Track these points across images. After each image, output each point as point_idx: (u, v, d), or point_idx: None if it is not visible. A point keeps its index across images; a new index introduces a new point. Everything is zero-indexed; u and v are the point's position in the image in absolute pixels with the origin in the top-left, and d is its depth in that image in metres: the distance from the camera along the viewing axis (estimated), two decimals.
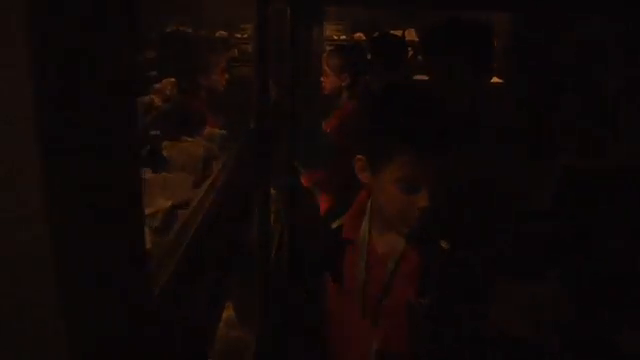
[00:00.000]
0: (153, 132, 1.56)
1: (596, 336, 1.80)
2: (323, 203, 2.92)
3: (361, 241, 1.18)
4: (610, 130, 1.72)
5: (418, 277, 1.09)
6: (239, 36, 3.83)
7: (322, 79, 3.16)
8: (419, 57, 4.35)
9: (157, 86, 1.83)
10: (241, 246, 2.25)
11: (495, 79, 2.45)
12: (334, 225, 1.26)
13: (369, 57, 3.31)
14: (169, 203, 1.15)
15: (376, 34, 3.55)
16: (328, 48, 3.81)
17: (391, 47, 3.26)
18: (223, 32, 3.62)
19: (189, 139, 1.62)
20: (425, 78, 3.75)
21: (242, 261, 2.34)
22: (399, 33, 4.55)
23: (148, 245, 1.00)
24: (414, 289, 1.09)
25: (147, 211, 1.09)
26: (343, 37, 4.92)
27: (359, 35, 4.93)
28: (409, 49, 4.04)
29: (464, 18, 1.66)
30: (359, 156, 1.12)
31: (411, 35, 4.80)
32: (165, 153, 1.47)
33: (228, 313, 2.07)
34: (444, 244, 1.08)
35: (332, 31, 4.92)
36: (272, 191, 3.05)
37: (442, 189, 1.01)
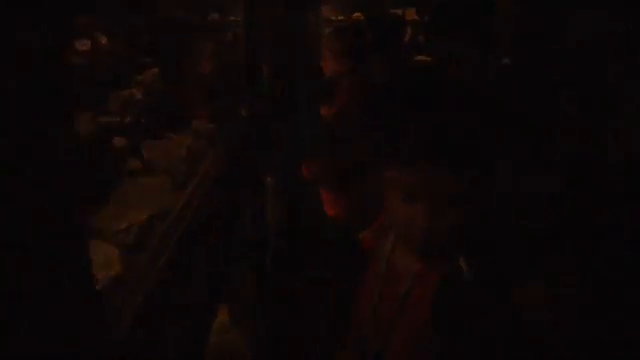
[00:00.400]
0: (134, 129, 1.44)
1: (599, 336, 1.75)
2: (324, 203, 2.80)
3: (382, 254, 1.05)
4: (610, 129, 1.67)
5: (431, 303, 0.96)
6: (234, 19, 3.68)
7: (322, 63, 3.05)
8: (420, 37, 4.21)
9: (140, 78, 1.71)
10: (233, 246, 2.16)
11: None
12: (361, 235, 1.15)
13: (368, 38, 3.18)
14: (145, 215, 1.04)
15: (374, 14, 3.43)
16: (327, 30, 3.68)
17: (390, 27, 3.14)
18: (215, 15, 3.46)
19: (173, 136, 1.50)
20: (427, 59, 3.63)
21: (236, 261, 2.25)
22: (399, 12, 4.39)
23: (119, 268, 0.90)
24: (425, 316, 0.96)
25: (120, 226, 0.98)
26: (341, 17, 4.75)
27: (357, 15, 4.75)
28: (409, 29, 3.90)
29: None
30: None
31: (412, 15, 4.63)
32: (145, 154, 1.35)
33: (222, 317, 1.99)
34: (462, 263, 0.95)
35: (329, 11, 4.74)
36: (270, 181, 2.96)
37: (447, 205, 0.89)
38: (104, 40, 1.66)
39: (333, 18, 4.78)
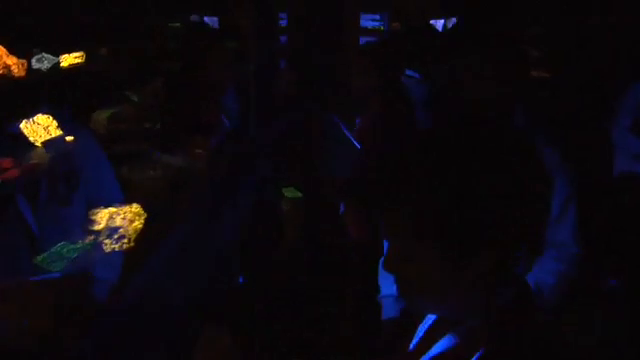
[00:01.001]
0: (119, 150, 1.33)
1: None
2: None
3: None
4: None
5: None
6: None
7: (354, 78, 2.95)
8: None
9: (140, 90, 1.61)
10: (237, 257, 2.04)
11: None
12: None
13: (404, 53, 3.05)
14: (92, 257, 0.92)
15: (411, 26, 3.28)
16: (363, 41, 3.60)
17: (427, 40, 2.99)
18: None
19: (162, 157, 1.39)
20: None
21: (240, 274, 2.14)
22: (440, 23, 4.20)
23: (51, 324, 0.78)
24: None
25: (57, 270, 0.86)
26: (380, 27, 4.59)
27: (396, 25, 4.58)
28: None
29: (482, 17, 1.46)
30: None
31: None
32: (132, 176, 1.24)
33: (224, 342, 1.88)
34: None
35: (367, 20, 4.58)
36: (286, 192, 2.85)
37: None
38: (104, 51, 1.57)
39: (370, 27, 4.62)
